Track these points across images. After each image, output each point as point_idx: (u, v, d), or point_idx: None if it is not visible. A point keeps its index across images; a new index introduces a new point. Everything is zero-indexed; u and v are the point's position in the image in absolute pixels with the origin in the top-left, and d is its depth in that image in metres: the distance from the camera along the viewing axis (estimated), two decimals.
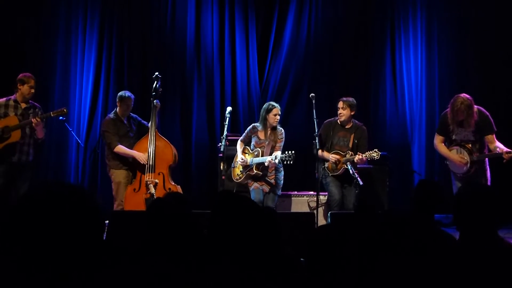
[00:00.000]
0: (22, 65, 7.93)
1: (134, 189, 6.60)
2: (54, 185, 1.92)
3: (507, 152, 6.09)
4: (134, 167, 6.70)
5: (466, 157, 6.28)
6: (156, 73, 6.80)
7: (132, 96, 6.83)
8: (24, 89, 6.43)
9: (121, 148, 6.63)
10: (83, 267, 1.89)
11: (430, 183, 4.17)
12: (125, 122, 6.79)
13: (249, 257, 2.18)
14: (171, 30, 8.63)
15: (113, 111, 6.85)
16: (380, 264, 2.33)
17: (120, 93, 6.89)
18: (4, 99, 6.48)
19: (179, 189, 6.63)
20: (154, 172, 6.56)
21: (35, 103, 6.63)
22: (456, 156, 6.34)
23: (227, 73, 8.61)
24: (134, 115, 6.97)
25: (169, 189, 6.49)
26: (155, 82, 6.76)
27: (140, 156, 6.58)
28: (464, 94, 6.32)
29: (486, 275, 2.34)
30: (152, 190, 6.44)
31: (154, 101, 6.68)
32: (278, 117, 6.62)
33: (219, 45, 8.65)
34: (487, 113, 6.34)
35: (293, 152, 6.37)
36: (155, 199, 2.70)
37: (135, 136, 6.83)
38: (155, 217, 2.51)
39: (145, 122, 6.91)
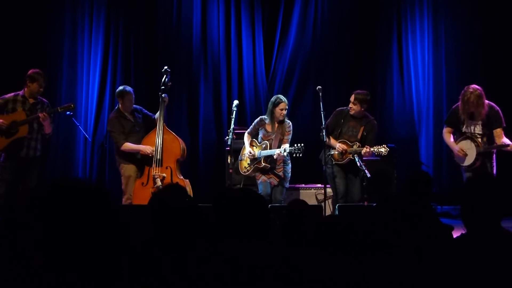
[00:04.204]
0: (28, 60, 7.97)
1: (142, 183, 6.61)
2: (67, 183, 1.95)
3: None
4: (143, 161, 6.70)
5: (470, 150, 6.29)
6: (165, 67, 6.78)
7: (131, 90, 6.79)
8: (33, 86, 6.45)
9: (127, 146, 6.64)
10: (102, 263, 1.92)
11: (420, 174, 4.19)
12: (129, 117, 6.77)
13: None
14: (177, 23, 8.63)
15: (116, 108, 6.84)
16: (380, 254, 2.33)
17: (118, 89, 6.82)
18: (12, 94, 6.50)
19: (187, 183, 6.63)
20: (161, 166, 6.56)
21: (43, 99, 6.64)
22: (456, 147, 6.36)
23: (233, 66, 8.61)
24: (139, 107, 6.94)
25: (177, 183, 6.48)
26: (164, 76, 6.74)
27: (145, 148, 6.59)
28: (474, 85, 6.31)
29: (493, 266, 2.34)
30: (159, 183, 6.44)
31: (163, 95, 6.67)
32: (285, 112, 6.60)
33: (225, 38, 8.64)
34: (498, 108, 6.36)
35: (302, 145, 6.36)
36: (154, 193, 2.72)
37: (143, 129, 6.81)
38: (155, 210, 2.53)
39: (150, 113, 6.90)
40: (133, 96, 6.77)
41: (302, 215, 3.23)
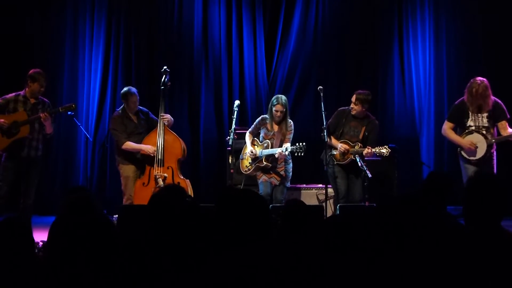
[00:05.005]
0: (30, 61, 7.97)
1: (143, 183, 6.62)
2: None
3: None
4: (143, 161, 6.70)
5: (480, 143, 6.29)
6: (165, 67, 6.79)
7: (135, 91, 6.78)
8: (35, 86, 6.45)
9: (128, 144, 6.64)
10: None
11: (441, 174, 4.15)
12: (132, 118, 6.77)
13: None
14: (178, 23, 8.64)
15: (121, 107, 6.84)
16: (389, 252, 2.33)
17: (123, 91, 6.82)
18: (13, 94, 6.50)
19: (188, 183, 6.64)
20: (163, 166, 6.57)
21: (44, 99, 6.64)
22: (466, 141, 6.34)
23: (234, 66, 8.61)
24: (146, 110, 6.94)
25: (178, 183, 6.49)
26: (164, 76, 6.75)
27: (147, 148, 6.59)
28: (479, 77, 6.32)
29: (493, 266, 2.34)
30: (161, 183, 6.44)
31: (162, 114, 6.64)
32: (279, 114, 6.55)
33: (227, 38, 8.65)
34: (501, 102, 6.37)
35: (304, 144, 6.36)
36: (153, 194, 2.73)
37: (145, 131, 6.81)
38: (155, 211, 2.54)
39: (155, 117, 6.89)
40: (138, 97, 6.77)
41: (299, 215, 3.23)
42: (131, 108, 6.73)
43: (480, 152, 6.31)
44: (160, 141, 6.60)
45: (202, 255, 2.30)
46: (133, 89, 6.79)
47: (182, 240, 2.39)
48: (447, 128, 6.56)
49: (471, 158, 6.36)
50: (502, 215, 2.51)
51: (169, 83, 6.83)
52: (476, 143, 6.31)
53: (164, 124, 6.66)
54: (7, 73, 7.93)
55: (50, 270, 2.04)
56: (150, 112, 6.95)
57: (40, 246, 4.72)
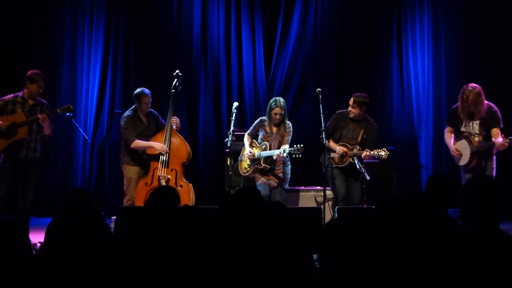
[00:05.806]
0: (29, 62, 7.96)
1: (146, 183, 6.62)
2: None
3: (501, 142, 6.04)
4: (148, 162, 6.68)
5: (465, 150, 6.26)
6: (177, 71, 6.81)
7: (149, 92, 6.77)
8: (33, 87, 6.44)
9: (138, 143, 6.64)
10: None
11: (441, 176, 4.15)
12: (143, 120, 6.77)
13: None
14: (177, 26, 8.64)
15: (132, 108, 6.82)
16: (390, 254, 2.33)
17: (136, 91, 6.82)
18: (12, 95, 6.49)
19: (190, 187, 6.65)
20: (167, 167, 6.58)
21: (43, 100, 6.63)
22: (452, 147, 6.36)
23: (233, 68, 8.62)
24: (156, 113, 6.93)
25: (181, 186, 6.53)
26: (175, 79, 6.78)
27: (159, 145, 6.58)
28: (473, 83, 6.30)
29: (492, 268, 2.34)
30: (163, 185, 6.45)
31: (172, 117, 6.66)
32: (279, 117, 6.56)
33: (225, 40, 8.65)
34: (496, 109, 6.32)
35: (301, 145, 6.35)
36: (148, 197, 2.74)
37: (153, 134, 6.78)
38: (152, 212, 2.55)
39: (164, 121, 6.86)
40: (150, 99, 6.76)
41: (282, 217, 3.23)
42: (143, 109, 6.74)
43: (464, 159, 6.30)
44: (166, 143, 6.61)
45: (200, 255, 2.29)
46: (146, 90, 6.79)
47: (180, 241, 2.39)
48: (446, 132, 6.59)
49: (458, 164, 6.38)
50: (501, 217, 2.51)
51: (180, 87, 6.86)
52: (462, 150, 6.31)
53: (172, 127, 6.67)
54: (6, 74, 7.92)
55: (46, 270, 2.04)
56: (160, 116, 6.94)
57: (38, 247, 4.72)
